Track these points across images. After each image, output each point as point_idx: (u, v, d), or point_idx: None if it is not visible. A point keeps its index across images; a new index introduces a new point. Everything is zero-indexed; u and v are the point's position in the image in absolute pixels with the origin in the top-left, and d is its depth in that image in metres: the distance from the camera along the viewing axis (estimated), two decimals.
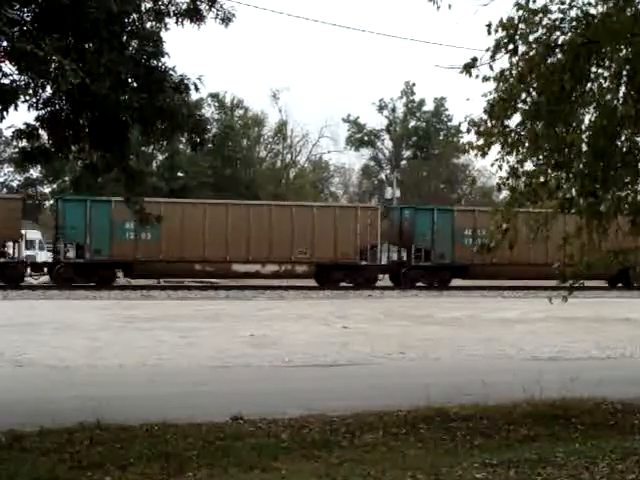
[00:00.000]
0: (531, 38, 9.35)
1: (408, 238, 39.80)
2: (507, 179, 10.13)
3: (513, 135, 9.85)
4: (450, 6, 9.41)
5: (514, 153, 9.93)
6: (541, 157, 10.01)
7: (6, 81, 8.58)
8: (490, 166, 10.41)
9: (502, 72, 9.52)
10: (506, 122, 9.78)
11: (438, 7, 9.50)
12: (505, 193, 10.76)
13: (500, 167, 10.02)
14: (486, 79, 9.51)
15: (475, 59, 9.45)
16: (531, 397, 10.81)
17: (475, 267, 38.89)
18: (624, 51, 9.37)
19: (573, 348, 18.15)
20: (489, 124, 9.73)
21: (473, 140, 9.96)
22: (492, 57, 9.35)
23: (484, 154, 9.88)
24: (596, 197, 9.93)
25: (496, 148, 9.91)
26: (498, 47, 9.31)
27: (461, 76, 9.52)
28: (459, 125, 11.21)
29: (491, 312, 27.52)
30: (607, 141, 9.58)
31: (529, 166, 10.03)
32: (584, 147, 9.81)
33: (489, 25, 9.22)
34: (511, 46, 9.32)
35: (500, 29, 9.23)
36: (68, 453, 8.38)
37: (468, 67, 9.44)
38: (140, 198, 10.71)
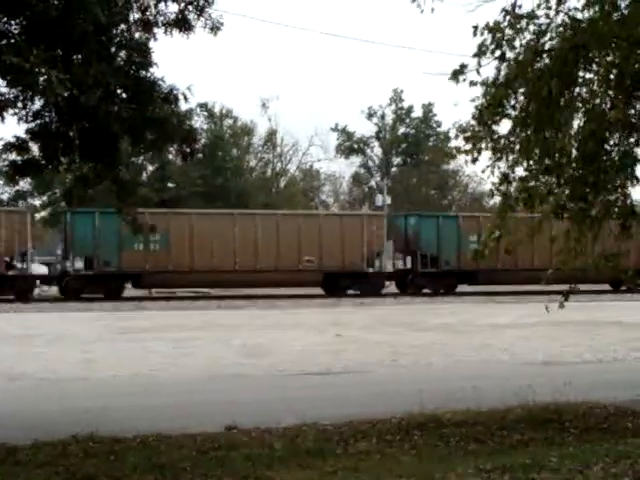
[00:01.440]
0: (517, 43, 9.38)
1: (70, 247, 36.49)
2: (499, 184, 10.13)
3: (502, 141, 9.86)
4: (433, 10, 9.42)
5: (504, 159, 9.94)
6: (531, 162, 10.01)
7: None
8: (481, 172, 10.41)
9: (489, 78, 9.54)
10: (494, 128, 9.79)
11: (422, 10, 9.53)
12: (497, 199, 10.74)
13: (492, 172, 10.01)
14: (473, 84, 9.52)
15: (463, 66, 9.46)
16: (524, 402, 10.80)
17: (148, 275, 36.36)
18: (611, 55, 9.42)
19: (566, 352, 18.17)
20: (477, 130, 9.74)
21: (461, 145, 9.96)
22: (478, 62, 9.37)
23: (474, 160, 9.87)
24: (586, 201, 9.95)
25: (486, 154, 9.92)
26: (484, 51, 9.33)
27: (449, 82, 9.56)
28: (448, 131, 11.24)
29: (484, 318, 27.55)
30: (596, 145, 9.61)
31: (520, 172, 10.04)
32: (574, 152, 9.82)
33: (475, 27, 9.24)
34: (498, 52, 9.34)
35: (486, 32, 9.25)
36: (62, 466, 8.33)
37: (456, 74, 9.45)
38: (132, 208, 10.70)
